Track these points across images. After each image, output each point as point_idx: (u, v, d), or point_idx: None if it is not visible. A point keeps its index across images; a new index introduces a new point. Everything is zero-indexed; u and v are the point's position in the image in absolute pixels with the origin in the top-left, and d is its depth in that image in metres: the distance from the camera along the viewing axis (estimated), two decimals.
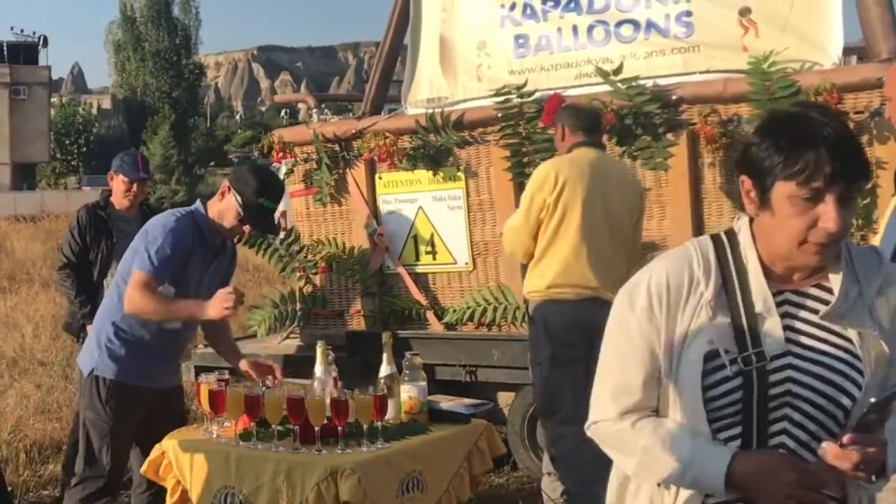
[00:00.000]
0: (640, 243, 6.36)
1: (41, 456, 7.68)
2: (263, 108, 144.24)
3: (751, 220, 2.67)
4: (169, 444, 5.05)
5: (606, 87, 6.89)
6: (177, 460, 5.00)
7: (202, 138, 74.23)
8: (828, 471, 2.50)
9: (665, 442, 2.64)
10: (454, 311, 7.67)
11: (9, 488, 7.48)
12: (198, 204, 5.46)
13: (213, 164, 79.35)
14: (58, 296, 14.92)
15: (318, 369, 5.24)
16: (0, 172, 63.95)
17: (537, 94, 7.13)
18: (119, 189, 7.28)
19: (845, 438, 2.47)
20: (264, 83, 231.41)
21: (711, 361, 2.61)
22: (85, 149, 74.98)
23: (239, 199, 5.20)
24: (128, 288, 5.19)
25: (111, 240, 7.15)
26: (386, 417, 4.89)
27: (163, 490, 5.20)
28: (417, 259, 7.86)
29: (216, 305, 5.03)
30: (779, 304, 2.64)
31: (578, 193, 5.98)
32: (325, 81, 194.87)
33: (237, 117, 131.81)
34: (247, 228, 5.45)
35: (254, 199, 5.19)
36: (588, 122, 6.23)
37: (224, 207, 5.28)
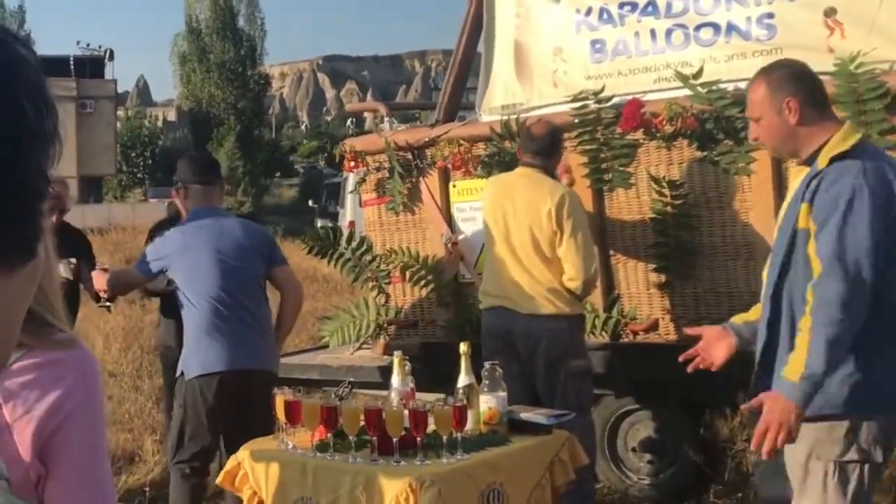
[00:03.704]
0: (570, 256, 6.40)
1: (114, 467, 7.63)
2: (329, 118, 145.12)
3: None
4: (244, 455, 5.00)
5: (686, 92, 6.75)
6: (252, 471, 4.94)
7: (268, 149, 74.64)
8: None
9: None
10: None
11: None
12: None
13: (278, 174, 79.78)
14: (126, 307, 14.97)
15: (396, 380, 5.16)
16: None
17: (615, 100, 6.99)
18: None
19: None
20: (330, 93, 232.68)
21: None
22: (150, 161, 75.61)
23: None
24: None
25: None
26: (465, 428, 4.80)
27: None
28: None
29: None
30: None
31: (488, 212, 6.76)
32: (391, 90, 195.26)
33: (303, 127, 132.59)
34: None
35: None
36: (534, 145, 6.67)
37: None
